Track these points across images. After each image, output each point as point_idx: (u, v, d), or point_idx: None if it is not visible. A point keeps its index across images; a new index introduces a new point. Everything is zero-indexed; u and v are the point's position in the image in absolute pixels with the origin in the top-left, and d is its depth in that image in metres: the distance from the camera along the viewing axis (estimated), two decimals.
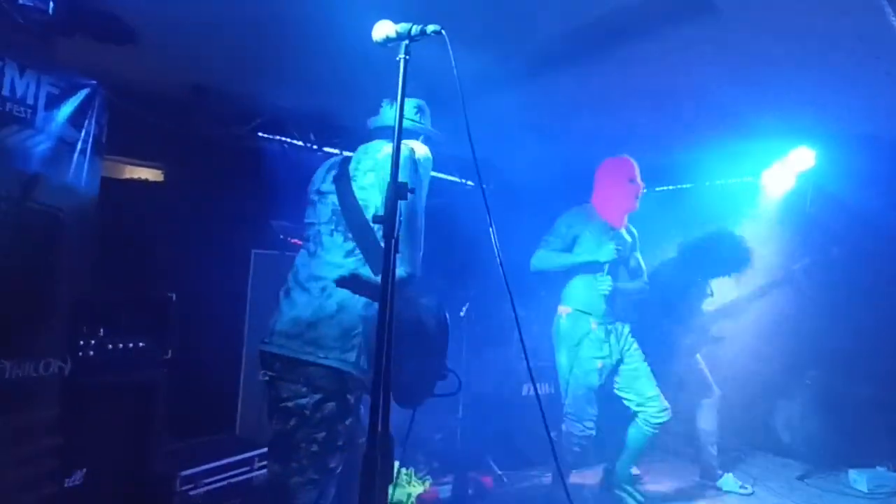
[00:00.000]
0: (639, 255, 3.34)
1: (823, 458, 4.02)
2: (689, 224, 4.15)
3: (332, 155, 3.88)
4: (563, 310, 3.18)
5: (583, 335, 3.08)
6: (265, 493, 1.70)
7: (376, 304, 1.54)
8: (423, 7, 2.20)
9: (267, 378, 1.62)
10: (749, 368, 4.22)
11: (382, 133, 1.91)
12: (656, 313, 3.56)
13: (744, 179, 4.53)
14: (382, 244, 1.56)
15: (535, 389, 1.40)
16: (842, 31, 2.45)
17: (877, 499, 3.61)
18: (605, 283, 3.03)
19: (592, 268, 3.09)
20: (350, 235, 1.70)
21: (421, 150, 1.80)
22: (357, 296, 1.63)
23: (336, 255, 1.70)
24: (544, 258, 3.16)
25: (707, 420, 3.64)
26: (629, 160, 3.21)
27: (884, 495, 3.63)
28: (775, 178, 4.21)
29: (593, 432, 3.04)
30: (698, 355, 3.80)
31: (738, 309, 4.01)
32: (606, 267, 3.05)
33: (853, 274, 4.01)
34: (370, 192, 1.71)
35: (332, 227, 1.75)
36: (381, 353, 1.13)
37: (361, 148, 1.86)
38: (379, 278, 1.45)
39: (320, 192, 1.83)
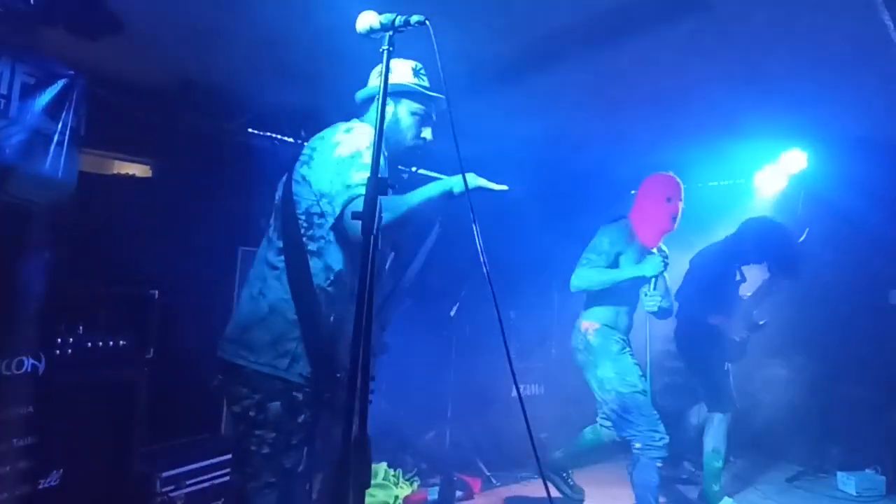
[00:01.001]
0: (666, 276, 3.13)
1: (813, 460, 4.03)
2: (682, 225, 4.13)
3: None
4: (591, 325, 3.00)
5: (621, 346, 2.96)
6: (225, 497, 1.65)
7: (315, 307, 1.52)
8: (418, 7, 2.18)
9: (218, 383, 1.58)
10: (740, 371, 4.21)
11: (364, 107, 1.81)
12: (695, 312, 3.38)
13: (736, 181, 4.53)
14: (310, 244, 1.53)
15: (518, 390, 1.37)
16: (834, 34, 2.44)
17: (865, 502, 3.61)
18: (654, 300, 2.84)
19: (633, 284, 2.96)
20: (280, 234, 1.61)
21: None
22: (288, 301, 1.54)
23: (271, 252, 1.63)
24: (588, 276, 2.94)
25: (717, 436, 3.33)
26: (672, 177, 3.01)
27: (872, 498, 3.64)
28: (768, 179, 4.21)
29: (668, 438, 2.80)
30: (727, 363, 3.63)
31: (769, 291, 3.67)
32: (653, 282, 2.88)
33: (844, 276, 4.02)
34: (301, 185, 1.62)
35: (272, 223, 1.68)
36: (357, 353, 1.09)
37: (318, 134, 1.75)
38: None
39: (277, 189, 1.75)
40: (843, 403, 3.94)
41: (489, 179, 1.67)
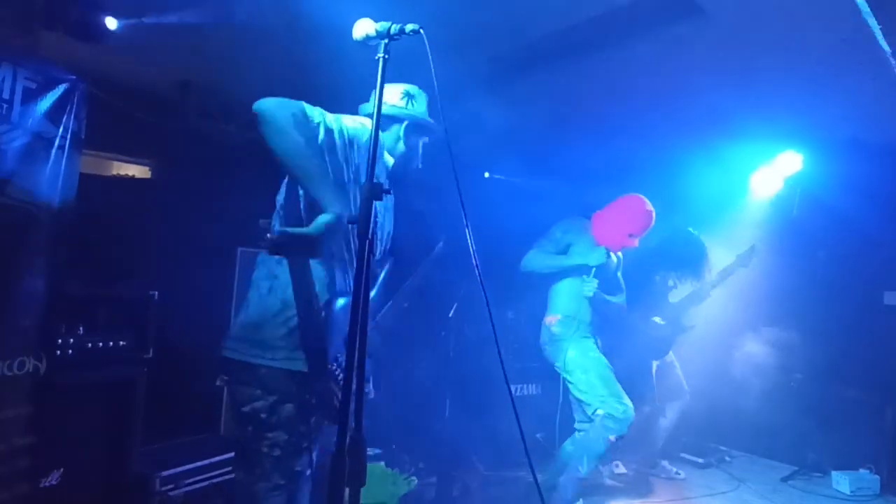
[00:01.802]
0: (620, 277, 3.38)
1: (807, 460, 4.05)
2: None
3: None
4: (552, 319, 3.19)
5: (583, 333, 3.13)
6: (233, 500, 1.65)
7: (322, 292, 1.52)
8: (413, 6, 2.20)
9: (223, 383, 1.59)
10: (734, 370, 4.24)
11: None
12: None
13: (732, 182, 4.56)
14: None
15: (509, 388, 1.39)
16: (827, 37, 2.47)
17: (859, 501, 3.64)
18: (590, 285, 3.06)
19: (579, 272, 3.13)
20: (287, 221, 1.61)
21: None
22: (286, 296, 1.53)
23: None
24: (536, 259, 3.21)
25: (669, 419, 3.72)
26: (648, 217, 3.14)
27: (866, 497, 3.66)
28: (763, 181, 4.24)
29: (633, 413, 2.91)
30: (672, 354, 3.82)
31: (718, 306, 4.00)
32: (593, 271, 3.09)
33: (839, 277, 4.05)
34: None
35: (275, 223, 1.68)
36: (353, 350, 1.11)
37: None
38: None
39: None
40: (837, 403, 3.96)
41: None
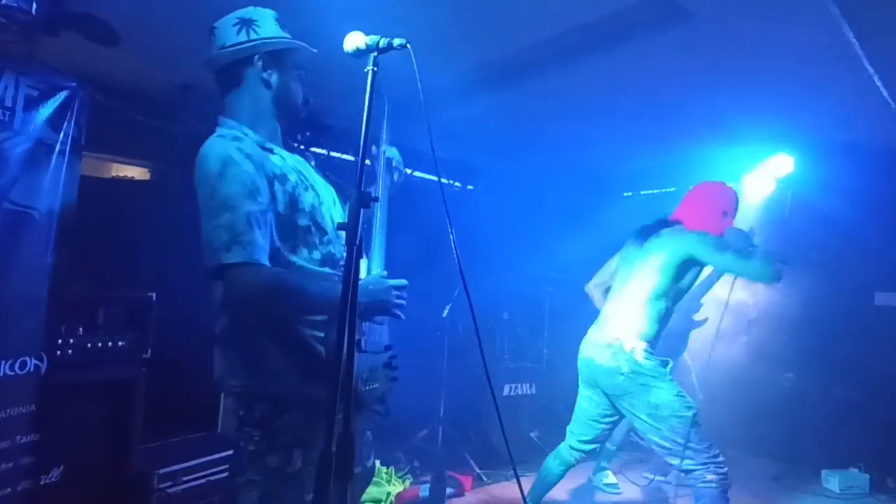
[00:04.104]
0: None
1: (798, 458, 4.10)
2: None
3: (318, 155, 3.91)
4: (640, 345, 2.63)
5: (668, 368, 2.70)
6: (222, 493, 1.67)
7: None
8: (406, 15, 2.25)
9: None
10: (727, 370, 4.29)
11: (221, 88, 1.62)
12: None
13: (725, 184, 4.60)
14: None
15: (492, 391, 1.44)
16: (815, 42, 2.50)
17: (848, 499, 3.69)
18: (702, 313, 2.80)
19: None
20: None
21: (209, 148, 1.52)
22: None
23: None
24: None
25: (624, 426, 3.37)
26: (731, 191, 2.90)
27: (856, 496, 3.71)
28: (755, 183, 4.28)
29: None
30: (686, 355, 3.82)
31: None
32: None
33: (830, 277, 4.09)
34: None
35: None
36: (341, 352, 1.16)
37: None
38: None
39: None
40: (827, 402, 4.01)
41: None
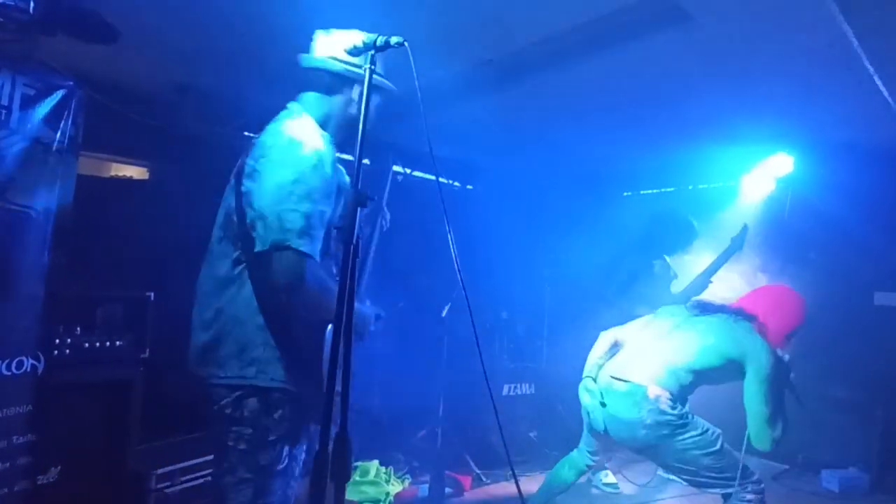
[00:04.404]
0: None
1: (797, 458, 4.10)
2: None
3: None
4: (663, 393, 2.48)
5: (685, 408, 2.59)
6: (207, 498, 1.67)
7: (280, 309, 1.48)
8: (404, 14, 2.25)
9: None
10: None
11: (311, 81, 1.68)
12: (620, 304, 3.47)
13: (725, 184, 4.61)
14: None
15: (490, 391, 1.43)
16: (815, 41, 2.50)
17: (849, 499, 3.68)
18: None
19: None
20: (239, 244, 1.53)
21: (307, 135, 1.52)
22: (251, 307, 1.51)
23: (223, 267, 1.56)
24: None
25: None
26: (802, 312, 2.72)
27: (855, 496, 3.71)
28: (755, 183, 4.28)
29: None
30: None
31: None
32: None
33: (830, 277, 4.08)
34: (245, 198, 1.51)
35: (222, 233, 1.60)
36: (336, 353, 1.15)
37: (269, 124, 1.66)
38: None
39: (226, 194, 1.66)
40: (827, 402, 4.00)
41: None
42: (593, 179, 5.08)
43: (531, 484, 3.29)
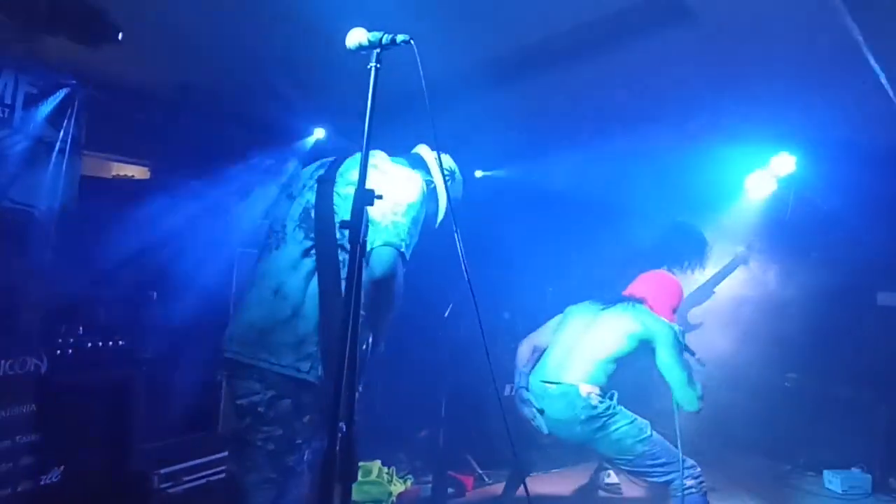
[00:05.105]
0: None
1: (800, 459, 4.09)
2: None
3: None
4: (593, 389, 2.64)
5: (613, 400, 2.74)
6: (223, 493, 1.68)
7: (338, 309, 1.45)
8: (408, 12, 2.24)
9: (223, 377, 1.63)
10: (728, 370, 4.27)
11: (410, 158, 1.96)
12: None
13: (727, 183, 4.60)
14: (341, 254, 1.53)
15: (497, 390, 1.43)
16: (819, 41, 2.50)
17: (851, 500, 3.68)
18: None
19: None
20: (312, 235, 1.64)
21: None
22: (313, 303, 1.55)
23: (294, 252, 1.64)
24: None
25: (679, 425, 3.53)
26: (678, 287, 3.03)
27: (858, 496, 3.70)
28: (757, 182, 4.27)
29: None
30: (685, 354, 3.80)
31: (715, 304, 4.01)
32: None
33: (833, 277, 4.08)
34: (345, 200, 1.63)
35: (297, 223, 1.69)
36: (344, 353, 1.15)
37: (353, 156, 1.79)
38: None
39: (298, 190, 1.78)
40: (830, 403, 4.00)
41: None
42: (593, 178, 5.07)
43: (534, 484, 3.29)
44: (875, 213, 3.80)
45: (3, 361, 1.98)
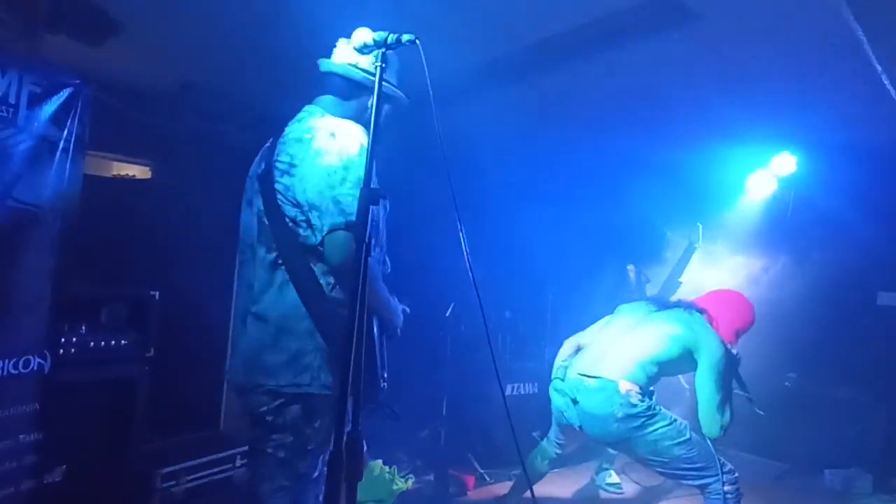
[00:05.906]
0: None
1: (801, 458, 4.09)
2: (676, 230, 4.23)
3: None
4: (633, 387, 2.56)
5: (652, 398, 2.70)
6: (241, 497, 1.67)
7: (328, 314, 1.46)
8: (412, 12, 2.24)
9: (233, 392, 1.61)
10: None
11: (328, 85, 1.69)
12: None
13: (728, 183, 4.60)
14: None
15: (502, 389, 1.43)
16: (821, 41, 2.50)
17: (852, 499, 3.68)
18: None
19: None
20: (274, 246, 1.52)
21: (346, 125, 1.56)
22: (297, 312, 1.48)
23: (262, 269, 1.53)
24: None
25: None
26: (752, 314, 2.92)
27: (859, 496, 3.70)
28: (758, 182, 4.28)
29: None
30: None
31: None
32: None
33: (833, 277, 4.09)
34: (286, 194, 1.50)
35: (256, 238, 1.58)
36: (349, 353, 1.15)
37: (289, 125, 1.64)
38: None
39: (252, 194, 1.66)
40: (831, 402, 4.00)
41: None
42: (595, 177, 5.07)
43: (536, 484, 3.29)
44: (875, 213, 3.80)
45: (6, 360, 1.98)
